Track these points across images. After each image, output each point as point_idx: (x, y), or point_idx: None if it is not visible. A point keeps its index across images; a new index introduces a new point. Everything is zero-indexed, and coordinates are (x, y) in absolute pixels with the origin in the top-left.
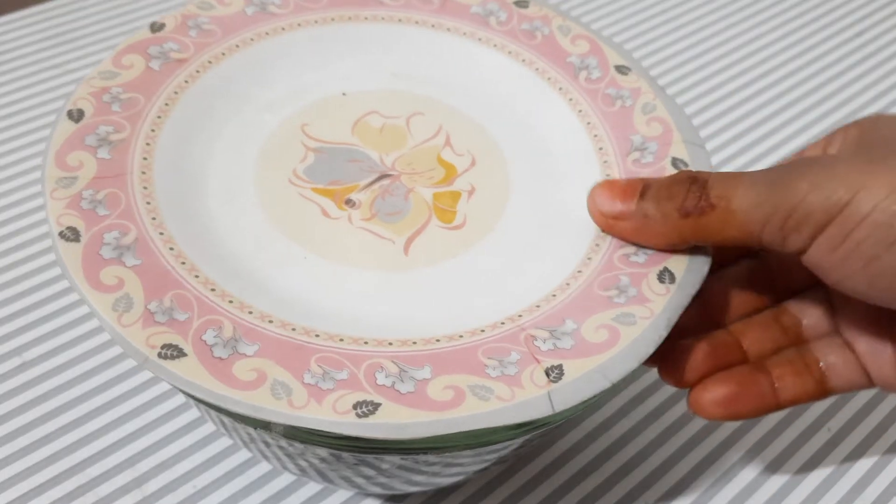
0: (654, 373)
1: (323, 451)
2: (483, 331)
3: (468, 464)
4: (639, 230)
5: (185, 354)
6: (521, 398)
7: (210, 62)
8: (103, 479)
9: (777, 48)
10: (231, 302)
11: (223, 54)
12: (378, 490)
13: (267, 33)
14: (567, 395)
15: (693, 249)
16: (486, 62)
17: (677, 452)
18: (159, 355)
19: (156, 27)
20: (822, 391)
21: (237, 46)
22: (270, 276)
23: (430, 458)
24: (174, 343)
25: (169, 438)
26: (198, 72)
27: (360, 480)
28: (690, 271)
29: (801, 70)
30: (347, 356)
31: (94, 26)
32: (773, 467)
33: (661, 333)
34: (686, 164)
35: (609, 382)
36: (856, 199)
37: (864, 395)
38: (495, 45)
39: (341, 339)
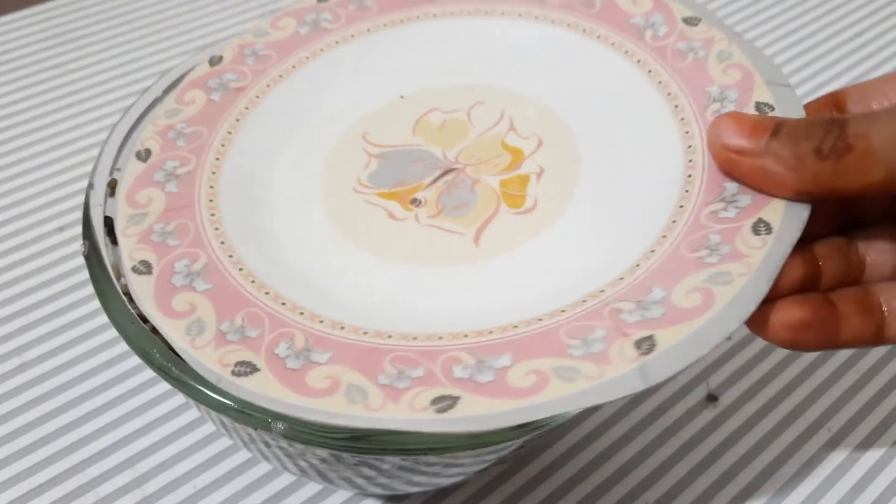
0: None
1: (323, 452)
2: (563, 311)
3: (468, 464)
4: (765, 172)
5: (258, 370)
6: (611, 375)
7: (268, 86)
8: (103, 479)
9: (777, 48)
10: (302, 314)
11: (280, 77)
12: (378, 490)
13: (321, 49)
14: (662, 366)
15: None
16: (545, 40)
17: (677, 452)
18: (232, 373)
19: (214, 60)
20: (879, 338)
21: (293, 67)
22: (340, 285)
23: (431, 458)
24: (247, 360)
25: (169, 438)
26: (257, 97)
27: (360, 481)
28: (789, 217)
29: (801, 70)
30: (422, 353)
31: (94, 26)
32: (772, 467)
33: (763, 289)
34: (772, 108)
35: (708, 348)
36: None
37: (864, 395)
38: (553, 21)
39: (415, 338)
